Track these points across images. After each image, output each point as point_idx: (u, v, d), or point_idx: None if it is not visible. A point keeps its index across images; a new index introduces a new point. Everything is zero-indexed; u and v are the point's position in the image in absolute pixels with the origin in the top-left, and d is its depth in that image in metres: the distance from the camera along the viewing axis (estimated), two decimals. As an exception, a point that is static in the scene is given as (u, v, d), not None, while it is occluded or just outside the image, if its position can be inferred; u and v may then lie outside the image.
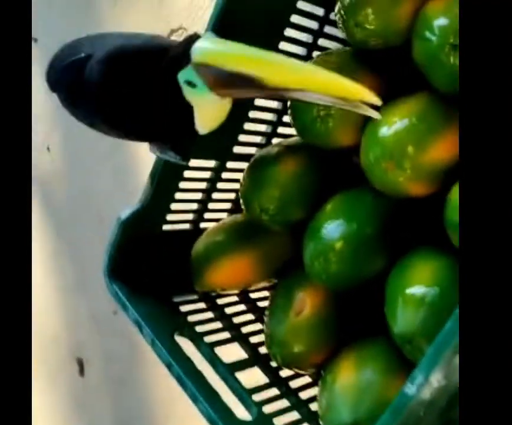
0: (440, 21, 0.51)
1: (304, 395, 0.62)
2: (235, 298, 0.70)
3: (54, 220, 1.30)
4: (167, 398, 1.06)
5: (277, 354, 0.60)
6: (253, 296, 0.72)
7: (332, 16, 0.64)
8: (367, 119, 0.54)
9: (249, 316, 0.69)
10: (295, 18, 0.63)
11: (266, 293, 0.73)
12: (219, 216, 0.71)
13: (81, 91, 0.56)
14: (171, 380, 0.57)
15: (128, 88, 0.53)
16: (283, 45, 0.63)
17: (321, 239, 0.55)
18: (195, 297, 0.67)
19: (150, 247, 0.66)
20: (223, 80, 0.50)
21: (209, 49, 0.50)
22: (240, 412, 0.56)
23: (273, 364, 0.63)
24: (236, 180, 0.69)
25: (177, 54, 0.50)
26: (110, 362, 1.19)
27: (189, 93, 0.51)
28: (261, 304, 0.71)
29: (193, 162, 0.63)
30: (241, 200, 0.64)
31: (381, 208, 0.56)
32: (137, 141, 0.60)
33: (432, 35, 0.51)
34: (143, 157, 1.09)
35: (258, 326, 0.68)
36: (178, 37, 0.99)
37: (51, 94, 0.58)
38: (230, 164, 0.68)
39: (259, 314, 0.69)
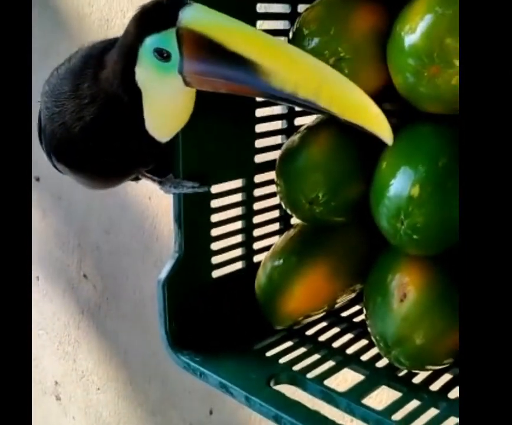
0: None
1: (452, 394, 0.48)
2: (324, 323, 0.58)
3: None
4: None
5: (400, 356, 0.46)
6: (344, 314, 0.59)
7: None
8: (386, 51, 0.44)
9: (348, 336, 0.56)
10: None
11: (358, 307, 0.60)
12: (270, 241, 0.59)
13: (44, 142, 0.48)
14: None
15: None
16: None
17: (394, 197, 0.43)
18: (278, 337, 0.55)
19: (206, 300, 0.55)
20: (208, 59, 0.39)
21: (206, 17, 0.40)
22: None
23: (401, 373, 0.49)
24: (273, 195, 0.58)
25: (154, 12, 0.39)
26: None
27: (149, 68, 0.40)
28: (357, 319, 0.59)
29: (217, 188, 0.53)
30: (285, 206, 0.53)
31: (445, 133, 0.44)
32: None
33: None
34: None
35: (363, 343, 0.55)
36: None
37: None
38: (258, 179, 0.57)
39: (359, 331, 0.56)
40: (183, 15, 0.39)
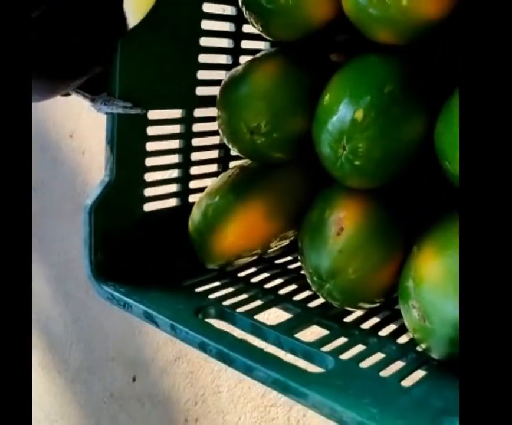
0: None
1: (383, 332, 0.47)
2: (257, 268, 0.56)
3: None
4: None
5: (333, 290, 0.45)
6: (278, 262, 0.58)
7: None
8: None
9: (281, 280, 0.55)
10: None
11: (291, 257, 0.59)
12: (206, 183, 0.57)
13: None
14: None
15: None
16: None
17: (337, 121, 0.42)
18: (209, 276, 0.53)
19: (135, 232, 0.53)
20: None
21: None
22: (310, 369, 0.41)
23: (333, 312, 0.48)
24: (215, 133, 0.57)
25: None
26: None
27: None
28: (291, 266, 0.57)
29: (155, 115, 0.51)
30: (225, 137, 0.51)
31: (395, 63, 0.44)
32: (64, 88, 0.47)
33: None
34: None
35: (295, 286, 0.53)
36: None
37: None
38: (199, 113, 0.55)
39: (292, 276, 0.55)
40: None
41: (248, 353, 0.42)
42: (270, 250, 0.57)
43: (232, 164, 0.59)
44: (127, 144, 0.49)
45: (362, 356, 0.43)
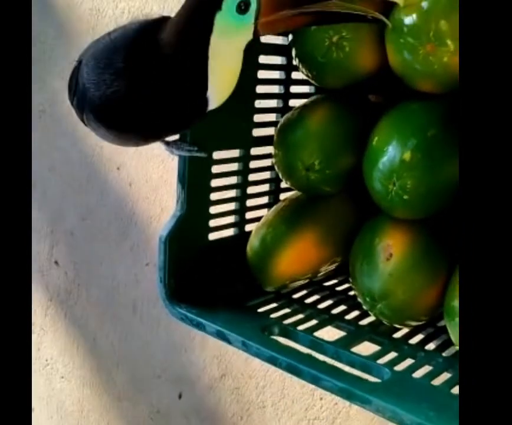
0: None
1: (428, 347, 0.53)
2: (309, 289, 0.62)
3: None
4: None
5: (384, 310, 0.51)
6: (327, 283, 0.64)
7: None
8: (384, 36, 0.50)
9: (332, 300, 0.61)
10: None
11: (339, 278, 0.65)
12: (260, 213, 0.64)
13: (80, 99, 0.49)
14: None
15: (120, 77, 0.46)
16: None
17: (387, 161, 0.48)
18: (268, 298, 0.59)
19: (202, 260, 0.59)
20: None
21: None
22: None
23: (382, 329, 0.54)
24: (267, 168, 0.63)
25: None
26: None
27: (224, 28, 0.43)
28: (340, 288, 0.63)
29: (218, 155, 0.58)
30: (281, 173, 0.58)
31: (438, 109, 0.50)
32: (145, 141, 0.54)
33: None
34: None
35: (342, 307, 0.59)
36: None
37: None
38: (255, 152, 0.62)
39: (341, 297, 0.61)
40: None
41: (314, 365, 0.47)
42: (320, 274, 0.63)
43: (282, 196, 0.65)
44: (195, 182, 0.56)
45: (413, 367, 0.49)
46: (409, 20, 0.46)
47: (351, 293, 0.61)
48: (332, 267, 0.63)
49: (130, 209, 1.08)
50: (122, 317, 1.15)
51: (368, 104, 0.62)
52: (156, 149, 0.94)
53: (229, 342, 0.52)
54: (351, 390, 0.45)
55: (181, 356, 1.05)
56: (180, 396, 1.09)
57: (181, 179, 0.55)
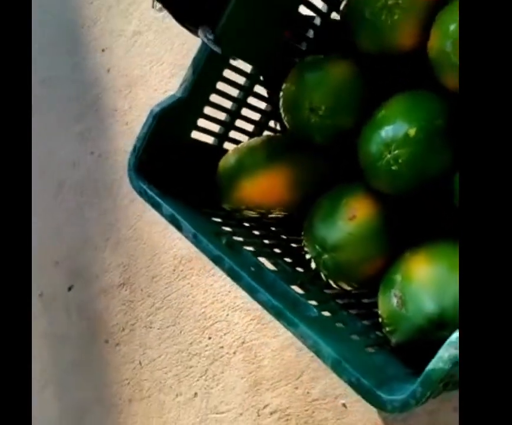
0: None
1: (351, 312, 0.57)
2: (255, 224, 0.65)
3: None
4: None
5: (329, 261, 0.55)
6: (273, 228, 0.67)
7: None
8: (434, 12, 0.53)
9: (273, 241, 0.64)
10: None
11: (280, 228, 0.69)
12: (241, 137, 0.67)
13: None
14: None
15: None
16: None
17: (392, 130, 0.52)
18: (220, 213, 0.62)
19: (180, 149, 0.60)
20: None
21: None
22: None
23: (316, 281, 0.58)
24: (266, 99, 0.66)
25: None
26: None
27: None
28: (282, 236, 0.67)
29: (233, 62, 0.60)
30: (285, 105, 0.61)
31: (449, 107, 0.54)
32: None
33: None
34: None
35: (282, 250, 0.63)
36: None
37: None
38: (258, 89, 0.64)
39: (280, 243, 0.65)
40: None
41: (254, 278, 0.50)
42: (270, 215, 0.66)
43: (265, 133, 0.68)
44: (205, 74, 0.57)
45: (336, 319, 0.53)
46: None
47: (294, 245, 0.65)
48: (281, 214, 0.66)
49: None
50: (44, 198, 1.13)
51: (386, 81, 0.64)
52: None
53: (180, 229, 0.54)
54: (282, 310, 0.48)
55: (88, 251, 1.05)
56: (69, 289, 1.08)
57: (195, 65, 0.57)
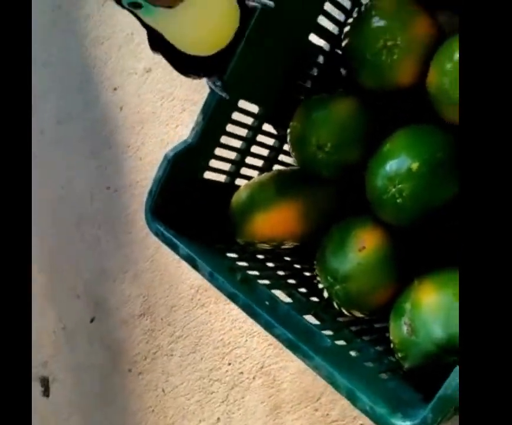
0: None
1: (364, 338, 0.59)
2: (269, 256, 0.68)
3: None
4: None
5: (340, 292, 0.57)
6: (286, 258, 0.70)
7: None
8: (432, 51, 0.56)
9: (287, 272, 0.66)
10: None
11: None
12: (252, 173, 0.69)
13: None
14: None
15: None
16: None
17: (395, 164, 0.55)
18: (233, 248, 0.64)
19: (193, 191, 0.63)
20: None
21: None
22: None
23: (330, 310, 0.60)
24: (274, 136, 0.69)
25: None
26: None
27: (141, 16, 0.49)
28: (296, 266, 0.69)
29: (241, 104, 0.62)
30: (293, 142, 0.63)
31: (450, 139, 0.56)
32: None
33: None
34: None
35: (297, 281, 0.65)
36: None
37: None
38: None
39: (295, 273, 0.67)
40: None
41: (270, 313, 0.53)
42: (283, 247, 0.68)
43: (275, 167, 0.71)
44: (215, 119, 0.60)
45: (349, 348, 0.55)
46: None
47: (307, 273, 0.67)
48: (294, 245, 0.69)
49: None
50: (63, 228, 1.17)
51: (388, 115, 0.67)
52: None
53: (197, 268, 0.56)
54: (298, 344, 0.50)
55: (108, 283, 1.08)
56: (92, 320, 1.11)
57: (205, 110, 0.59)
